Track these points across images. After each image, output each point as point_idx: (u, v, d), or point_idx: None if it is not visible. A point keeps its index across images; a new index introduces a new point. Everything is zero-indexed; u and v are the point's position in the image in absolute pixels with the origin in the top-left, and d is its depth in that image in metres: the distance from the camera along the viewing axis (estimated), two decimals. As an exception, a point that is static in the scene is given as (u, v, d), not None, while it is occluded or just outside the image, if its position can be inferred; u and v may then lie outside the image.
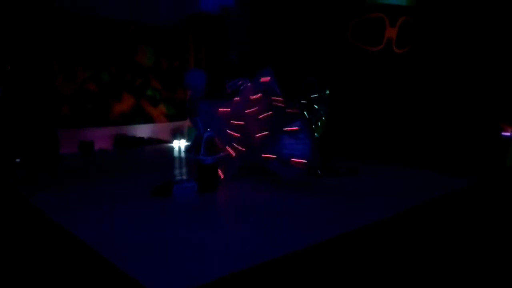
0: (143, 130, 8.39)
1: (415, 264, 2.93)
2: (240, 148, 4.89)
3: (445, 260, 3.00)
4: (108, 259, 2.82)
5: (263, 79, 5.20)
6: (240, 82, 5.25)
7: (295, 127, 4.62)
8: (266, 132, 4.77)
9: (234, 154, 4.87)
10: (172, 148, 7.95)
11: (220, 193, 4.63)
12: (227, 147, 4.88)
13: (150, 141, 8.29)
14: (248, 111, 4.95)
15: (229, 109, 4.97)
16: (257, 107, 4.93)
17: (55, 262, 2.89)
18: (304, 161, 4.65)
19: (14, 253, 3.06)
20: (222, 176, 4.81)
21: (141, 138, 8.18)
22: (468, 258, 3.06)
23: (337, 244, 3.24)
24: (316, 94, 5.80)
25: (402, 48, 7.40)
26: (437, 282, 2.68)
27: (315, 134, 5.51)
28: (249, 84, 5.33)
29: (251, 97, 5.01)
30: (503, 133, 6.70)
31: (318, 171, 5.24)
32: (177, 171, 6.02)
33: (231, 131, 4.88)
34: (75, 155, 7.11)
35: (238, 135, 4.84)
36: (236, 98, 5.12)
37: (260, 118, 4.84)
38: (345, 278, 2.71)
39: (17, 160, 6.33)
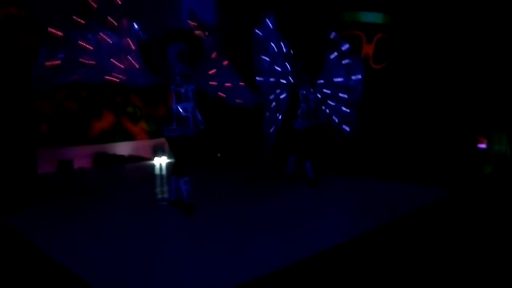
0: (123, 148, 8.29)
1: (399, 275, 2.97)
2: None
3: (430, 269, 3.06)
4: (89, 283, 2.77)
5: None
6: None
7: None
8: None
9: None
10: (153, 166, 7.88)
11: (202, 208, 4.60)
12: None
13: (131, 158, 8.20)
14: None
15: None
16: None
17: (32, 285, 2.83)
18: None
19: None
20: None
21: (121, 156, 8.08)
22: (453, 266, 3.12)
23: (326, 258, 3.25)
24: None
25: (379, 64, 7.58)
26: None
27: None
28: None
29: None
30: (479, 145, 6.89)
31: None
32: (158, 189, 5.97)
33: None
34: (54, 175, 6.97)
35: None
36: None
37: None
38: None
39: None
